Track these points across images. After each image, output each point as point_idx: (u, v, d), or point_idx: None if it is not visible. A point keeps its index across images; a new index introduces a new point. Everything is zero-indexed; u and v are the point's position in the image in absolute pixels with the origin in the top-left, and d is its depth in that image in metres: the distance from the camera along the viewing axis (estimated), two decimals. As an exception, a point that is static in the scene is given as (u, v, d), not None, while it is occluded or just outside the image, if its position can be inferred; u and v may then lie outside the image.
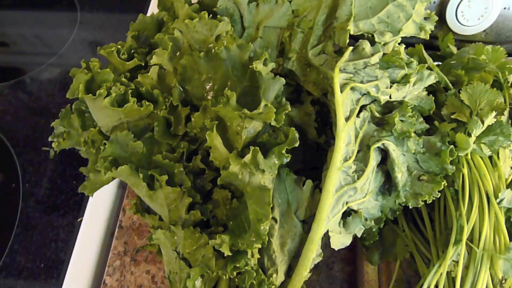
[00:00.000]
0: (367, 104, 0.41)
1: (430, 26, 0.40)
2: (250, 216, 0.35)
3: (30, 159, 0.63)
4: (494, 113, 0.43)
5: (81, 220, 0.56)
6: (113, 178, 0.40)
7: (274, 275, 0.39)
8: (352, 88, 0.38)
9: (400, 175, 0.41)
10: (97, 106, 0.38)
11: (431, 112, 0.44)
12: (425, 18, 0.40)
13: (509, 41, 0.57)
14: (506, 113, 0.44)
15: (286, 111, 0.37)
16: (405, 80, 0.40)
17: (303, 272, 0.38)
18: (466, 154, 0.42)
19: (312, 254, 0.38)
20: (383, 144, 0.39)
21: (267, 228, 0.35)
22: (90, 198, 0.56)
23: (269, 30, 0.44)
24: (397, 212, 0.43)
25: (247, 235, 0.35)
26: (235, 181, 0.36)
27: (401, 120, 0.41)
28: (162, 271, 0.51)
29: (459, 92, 0.45)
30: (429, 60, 0.49)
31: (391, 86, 0.40)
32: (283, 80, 0.38)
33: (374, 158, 0.39)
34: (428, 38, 0.41)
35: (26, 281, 0.53)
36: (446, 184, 0.40)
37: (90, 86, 0.39)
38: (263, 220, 0.34)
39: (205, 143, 0.37)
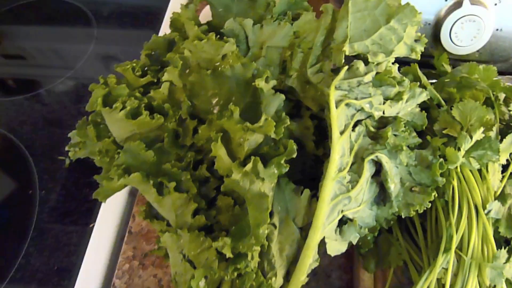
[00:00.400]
0: (363, 119, 0.43)
1: (420, 48, 0.43)
2: (250, 221, 0.38)
3: (47, 167, 0.67)
4: (482, 129, 0.45)
5: (93, 226, 0.59)
6: (125, 185, 0.43)
7: (273, 279, 0.41)
8: (347, 104, 0.41)
9: (393, 186, 0.43)
10: (112, 118, 0.41)
11: (424, 127, 0.47)
12: (416, 40, 0.43)
13: (503, 60, 0.59)
14: (494, 129, 0.46)
15: (285, 125, 0.40)
16: (397, 97, 0.43)
17: (301, 276, 0.40)
18: (456, 167, 0.45)
19: (309, 260, 0.40)
20: (376, 156, 0.42)
21: (266, 232, 0.38)
22: (102, 205, 0.60)
23: (272, 50, 0.48)
24: (391, 222, 0.45)
25: (247, 238, 0.37)
26: (237, 188, 0.39)
27: (394, 135, 0.43)
28: (168, 275, 0.54)
29: (451, 109, 0.47)
30: (423, 78, 0.51)
31: (384, 103, 0.43)
32: (283, 96, 0.41)
33: (368, 170, 0.42)
34: (419, 58, 0.44)
35: (40, 282, 0.56)
36: (436, 195, 0.43)
37: (106, 99, 0.42)
38: (261, 225, 0.37)
39: (210, 153, 0.40)
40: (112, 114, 0.41)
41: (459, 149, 0.44)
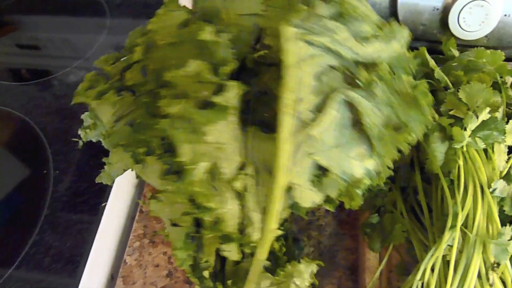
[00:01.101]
0: (337, 66, 0.38)
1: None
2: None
3: (60, 149, 0.69)
4: (488, 109, 0.46)
5: (105, 205, 0.60)
6: (124, 170, 0.44)
7: (252, 234, 0.40)
8: (308, 42, 0.37)
9: (373, 129, 0.38)
10: (93, 108, 0.44)
11: (414, 71, 0.43)
12: None
13: (511, 47, 0.60)
14: (501, 110, 0.47)
15: (230, 68, 0.39)
16: (369, 35, 0.39)
17: (270, 225, 0.38)
18: (462, 147, 0.45)
19: (275, 205, 0.38)
20: (347, 96, 0.37)
21: (198, 172, 0.38)
22: (114, 185, 0.61)
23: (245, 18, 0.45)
24: (383, 176, 0.40)
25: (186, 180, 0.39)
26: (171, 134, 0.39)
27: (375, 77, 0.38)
28: (178, 253, 0.55)
29: (458, 91, 0.48)
30: (431, 61, 0.52)
31: (357, 41, 0.38)
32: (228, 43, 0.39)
33: (335, 109, 0.37)
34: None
35: (53, 258, 0.58)
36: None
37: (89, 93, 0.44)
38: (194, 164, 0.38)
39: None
40: (90, 104, 0.43)
41: (465, 129, 0.45)
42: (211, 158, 0.39)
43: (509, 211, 0.44)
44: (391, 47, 0.40)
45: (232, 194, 0.40)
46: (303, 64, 0.37)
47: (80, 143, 0.53)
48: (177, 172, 0.40)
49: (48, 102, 0.78)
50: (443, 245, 0.42)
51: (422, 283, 0.42)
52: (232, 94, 0.38)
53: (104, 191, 0.62)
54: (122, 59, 0.48)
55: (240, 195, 0.40)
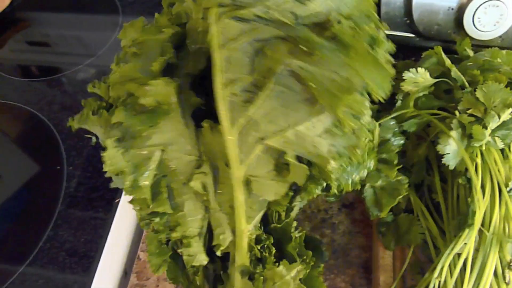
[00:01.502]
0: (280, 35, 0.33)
1: None
2: None
3: (74, 145, 0.69)
4: (510, 110, 0.46)
5: (118, 201, 0.61)
6: None
7: (221, 236, 0.37)
8: (236, 18, 0.33)
9: (326, 97, 0.32)
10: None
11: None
12: None
13: (525, 47, 0.60)
14: (517, 110, 0.47)
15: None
16: None
17: (240, 225, 0.36)
18: (481, 146, 0.45)
19: (239, 202, 0.35)
20: (291, 66, 0.33)
21: (137, 179, 0.35)
22: (127, 181, 0.61)
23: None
24: (357, 151, 0.34)
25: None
26: None
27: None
28: (191, 249, 0.55)
29: (475, 91, 0.48)
30: (447, 60, 0.52)
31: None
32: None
33: (274, 82, 0.33)
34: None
35: (68, 253, 0.58)
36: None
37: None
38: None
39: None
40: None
41: (485, 128, 0.45)
42: (157, 162, 0.36)
43: (526, 210, 0.44)
44: None
45: (191, 195, 0.37)
46: (233, 42, 0.33)
47: (93, 139, 0.53)
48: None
49: (61, 98, 0.78)
50: (460, 244, 0.42)
51: (439, 282, 0.42)
52: (162, 91, 0.35)
53: (117, 187, 0.63)
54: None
55: (200, 195, 0.37)
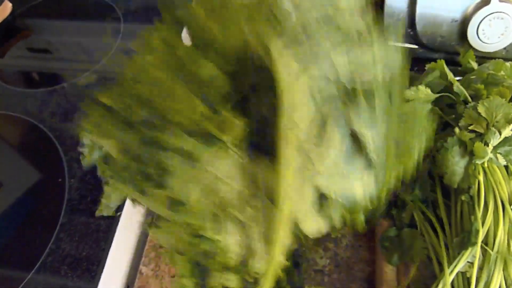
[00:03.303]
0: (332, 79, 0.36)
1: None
2: None
3: (75, 157, 0.69)
4: (511, 126, 0.45)
5: (120, 214, 0.61)
6: (121, 200, 0.46)
7: (255, 263, 0.39)
8: (297, 55, 0.35)
9: (376, 154, 0.37)
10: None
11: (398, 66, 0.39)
12: None
13: (529, 59, 0.59)
14: (521, 126, 0.47)
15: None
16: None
17: (275, 257, 0.37)
18: (483, 163, 0.45)
19: (280, 237, 0.37)
20: (347, 119, 0.36)
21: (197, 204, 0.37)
22: (129, 194, 0.61)
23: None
24: (384, 199, 0.40)
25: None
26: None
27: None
28: (194, 263, 0.55)
29: (477, 106, 0.48)
30: (450, 74, 0.52)
31: None
32: None
33: (335, 131, 0.36)
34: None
35: (69, 267, 0.58)
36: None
37: None
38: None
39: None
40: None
41: (487, 145, 0.44)
42: (211, 189, 0.37)
43: (531, 228, 0.44)
44: (385, 54, 0.37)
45: (235, 224, 0.38)
46: (297, 82, 0.35)
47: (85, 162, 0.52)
48: (176, 202, 0.39)
49: (62, 108, 0.78)
50: (463, 262, 0.42)
51: (442, 300, 0.42)
52: (236, 131, 0.37)
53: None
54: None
55: (244, 225, 0.38)
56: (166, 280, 0.54)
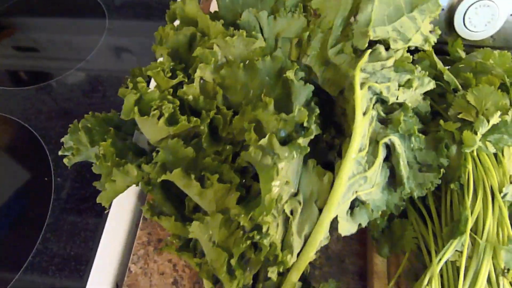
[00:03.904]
0: (375, 104, 0.44)
1: (433, 39, 0.44)
2: (261, 192, 0.39)
3: (62, 155, 0.68)
4: (499, 113, 0.45)
5: (108, 212, 0.60)
6: (127, 186, 0.45)
7: (289, 256, 0.42)
8: (369, 87, 0.42)
9: (404, 169, 0.44)
10: (149, 124, 0.43)
11: (427, 114, 0.48)
12: (431, 31, 0.43)
13: (517, 47, 0.59)
14: (510, 113, 0.46)
15: (316, 114, 0.41)
16: (408, 84, 0.44)
17: (310, 252, 0.42)
18: (472, 151, 0.45)
19: (321, 236, 0.42)
20: (389, 140, 0.43)
21: (274, 202, 0.39)
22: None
23: (286, 41, 0.48)
24: (401, 208, 0.46)
25: (259, 208, 0.39)
26: (250, 159, 0.41)
27: (404, 120, 0.44)
28: (183, 260, 0.55)
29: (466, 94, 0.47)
30: (439, 63, 0.51)
31: (398, 89, 0.43)
32: (312, 87, 0.42)
33: (382, 152, 0.43)
34: (431, 49, 0.44)
35: (57, 267, 0.57)
36: (444, 171, 0.44)
37: (139, 105, 0.43)
38: (268, 193, 0.39)
39: (244, 143, 0.42)
40: (150, 121, 0.42)
41: (475, 133, 0.44)
42: (280, 190, 0.41)
43: (521, 216, 0.43)
44: (417, 94, 0.46)
45: (281, 219, 0.42)
46: (368, 113, 0.42)
47: (68, 162, 0.51)
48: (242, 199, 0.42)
49: (48, 106, 0.77)
50: (451, 251, 0.42)
51: (431, 289, 0.41)
52: (311, 137, 0.41)
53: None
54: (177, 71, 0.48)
55: (287, 221, 0.42)
56: (155, 278, 0.53)
